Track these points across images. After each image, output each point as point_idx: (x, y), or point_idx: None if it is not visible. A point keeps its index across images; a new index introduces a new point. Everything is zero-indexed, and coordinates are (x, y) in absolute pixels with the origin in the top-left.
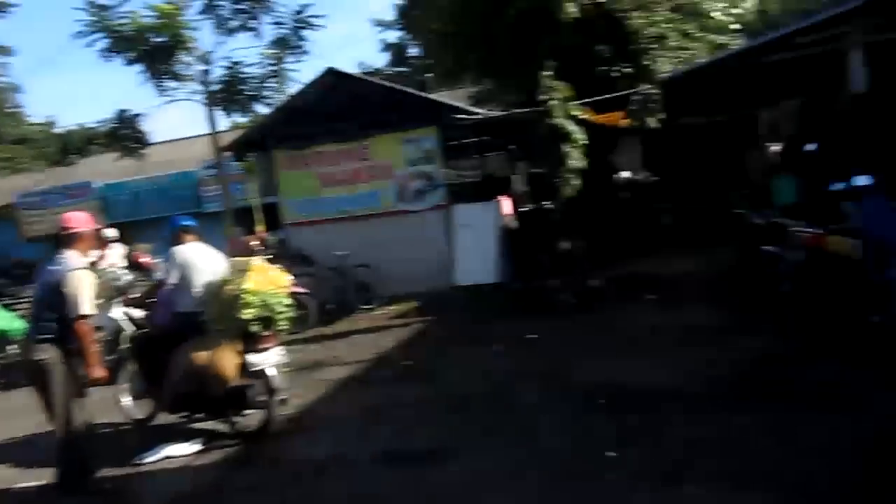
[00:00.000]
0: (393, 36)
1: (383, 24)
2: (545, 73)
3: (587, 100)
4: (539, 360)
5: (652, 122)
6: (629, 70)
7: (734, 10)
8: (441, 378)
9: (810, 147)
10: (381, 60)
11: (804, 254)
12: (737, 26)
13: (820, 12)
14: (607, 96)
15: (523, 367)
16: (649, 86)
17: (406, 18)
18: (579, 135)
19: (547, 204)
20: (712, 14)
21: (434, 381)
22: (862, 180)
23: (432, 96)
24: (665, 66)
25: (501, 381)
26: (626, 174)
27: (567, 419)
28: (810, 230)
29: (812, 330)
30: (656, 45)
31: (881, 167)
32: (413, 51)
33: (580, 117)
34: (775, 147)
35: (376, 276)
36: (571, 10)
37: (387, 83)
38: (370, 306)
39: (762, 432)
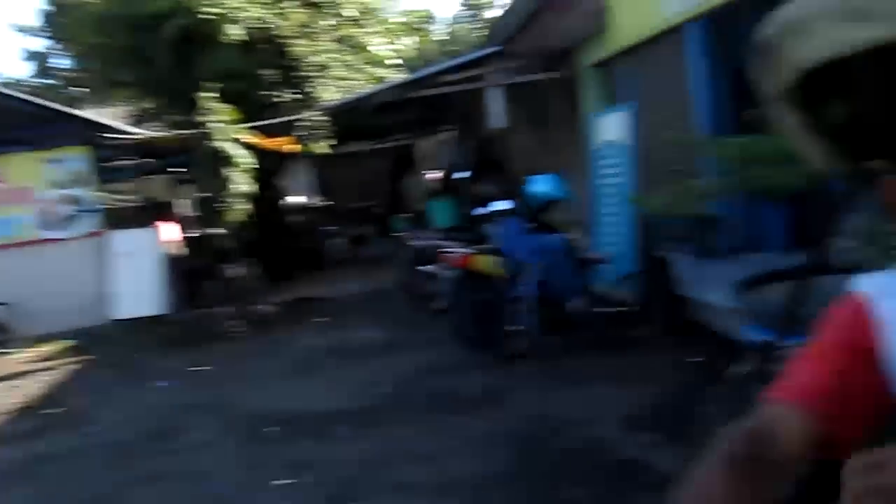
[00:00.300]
0: (38, 44)
1: (26, 31)
2: (206, 94)
3: (254, 124)
4: (209, 392)
5: (318, 148)
6: (296, 96)
7: (392, 47)
8: (98, 423)
9: (462, 174)
10: (24, 71)
11: (456, 272)
12: (397, 61)
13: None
14: (273, 121)
15: (191, 401)
16: (315, 112)
17: (53, 26)
18: (244, 159)
19: (215, 229)
20: (370, 48)
21: (90, 428)
22: (499, 205)
23: (83, 113)
24: (329, 94)
25: (167, 418)
26: (299, 198)
27: (237, 452)
28: (461, 250)
29: (466, 342)
30: (320, 74)
31: (515, 193)
32: (62, 62)
33: (245, 141)
34: (432, 174)
35: (17, 314)
36: (234, 31)
37: (23, 95)
38: (8, 350)
39: (427, 441)
